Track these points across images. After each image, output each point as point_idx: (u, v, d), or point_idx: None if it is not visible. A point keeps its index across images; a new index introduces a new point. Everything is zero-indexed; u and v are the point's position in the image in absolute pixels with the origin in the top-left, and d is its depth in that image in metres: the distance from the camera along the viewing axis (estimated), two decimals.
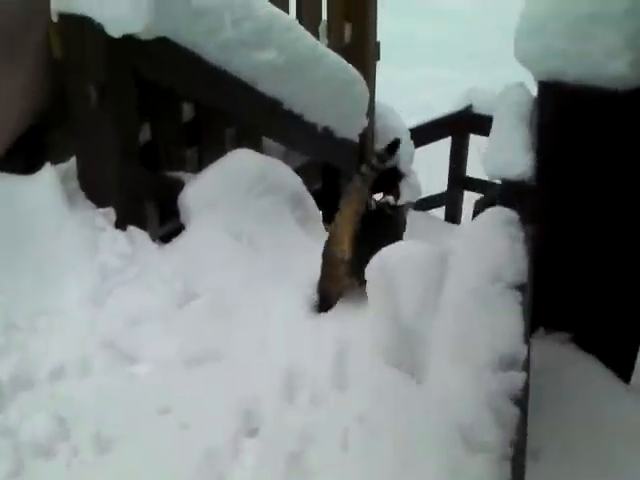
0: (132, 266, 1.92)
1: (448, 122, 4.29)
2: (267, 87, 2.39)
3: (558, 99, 1.65)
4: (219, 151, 2.45)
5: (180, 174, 2.24)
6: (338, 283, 1.82)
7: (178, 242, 2.04)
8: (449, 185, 4.54)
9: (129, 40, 1.86)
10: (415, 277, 1.50)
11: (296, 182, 2.37)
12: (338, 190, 3.14)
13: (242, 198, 2.15)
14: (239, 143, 2.59)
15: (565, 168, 1.71)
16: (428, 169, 4.17)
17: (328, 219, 3.30)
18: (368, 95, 2.95)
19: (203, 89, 2.22)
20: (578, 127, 1.66)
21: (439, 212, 4.58)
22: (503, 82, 1.92)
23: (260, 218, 2.15)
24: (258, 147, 2.65)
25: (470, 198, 4.56)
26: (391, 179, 3.61)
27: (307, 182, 3.08)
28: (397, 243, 1.65)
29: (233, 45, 2.19)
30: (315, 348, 1.62)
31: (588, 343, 1.81)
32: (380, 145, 3.49)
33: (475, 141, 4.35)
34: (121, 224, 2.03)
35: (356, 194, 1.78)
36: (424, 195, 4.15)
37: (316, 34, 3.03)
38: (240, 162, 2.23)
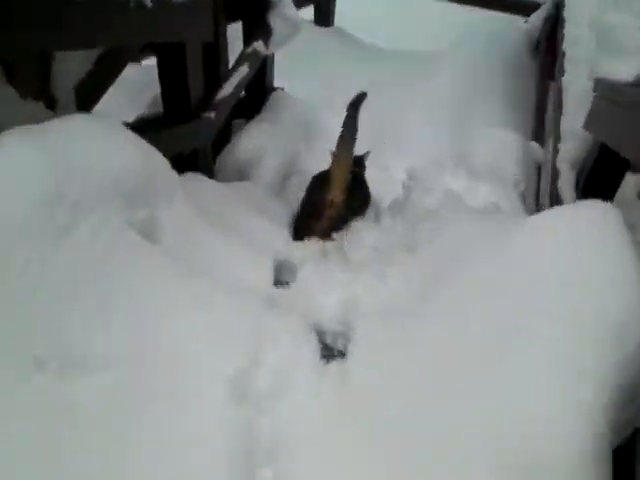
0: None
1: None
2: None
3: None
4: None
5: None
6: (320, 220, 1.94)
7: None
8: None
9: None
10: None
11: (129, 158, 1.29)
12: (183, 65, 1.97)
13: (29, 253, 1.08)
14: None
15: None
16: None
17: (169, 101, 2.13)
18: None
19: None
20: None
21: (307, 12, 3.41)
22: None
23: (75, 285, 1.13)
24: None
25: None
26: (257, 8, 2.40)
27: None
28: None
29: None
30: None
31: None
32: None
33: None
34: None
35: (348, 150, 1.95)
36: None
37: None
38: (13, 168, 1.08)
